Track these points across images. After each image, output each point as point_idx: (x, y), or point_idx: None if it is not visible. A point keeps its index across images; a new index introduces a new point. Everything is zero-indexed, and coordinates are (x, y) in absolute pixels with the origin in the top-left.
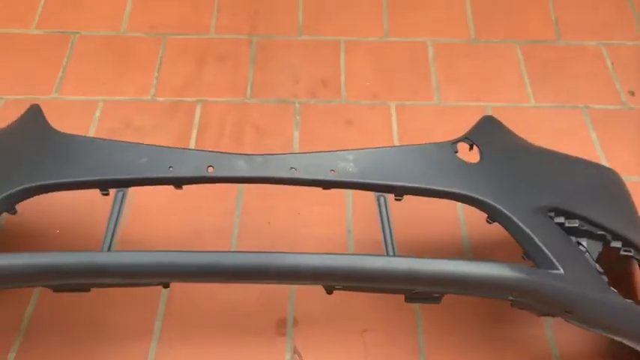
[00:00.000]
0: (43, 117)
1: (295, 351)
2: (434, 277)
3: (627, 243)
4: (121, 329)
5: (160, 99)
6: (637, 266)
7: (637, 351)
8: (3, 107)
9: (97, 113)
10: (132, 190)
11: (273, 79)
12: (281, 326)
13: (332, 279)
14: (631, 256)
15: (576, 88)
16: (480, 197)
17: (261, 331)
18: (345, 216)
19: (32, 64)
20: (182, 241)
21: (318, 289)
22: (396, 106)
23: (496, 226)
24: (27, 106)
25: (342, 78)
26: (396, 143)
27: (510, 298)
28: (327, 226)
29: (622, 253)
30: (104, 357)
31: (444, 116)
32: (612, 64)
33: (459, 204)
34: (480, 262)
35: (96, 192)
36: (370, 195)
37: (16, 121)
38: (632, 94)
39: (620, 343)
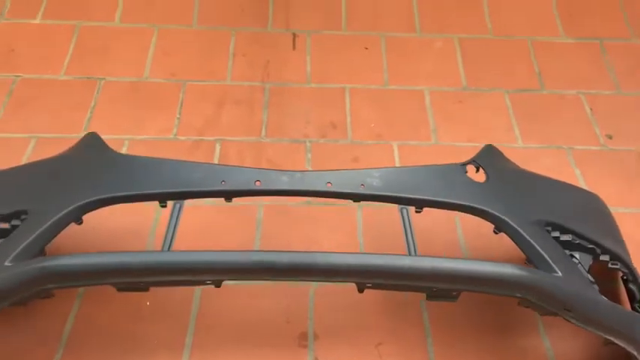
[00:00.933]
0: (103, 141)
1: None
2: (454, 274)
3: (614, 257)
4: (154, 342)
5: (182, 138)
6: (620, 280)
7: (626, 357)
8: (35, 145)
9: (124, 150)
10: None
11: (286, 121)
12: (303, 339)
13: (366, 276)
14: (617, 269)
15: (560, 131)
16: (490, 210)
17: (285, 345)
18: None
19: (62, 107)
20: None
21: (336, 307)
22: (398, 145)
23: (488, 240)
24: (58, 144)
25: (349, 120)
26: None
27: (518, 295)
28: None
29: (610, 266)
30: None
31: (441, 154)
32: (591, 109)
33: (458, 220)
34: (494, 263)
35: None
36: (379, 220)
37: (74, 146)
38: (610, 137)
39: (611, 351)
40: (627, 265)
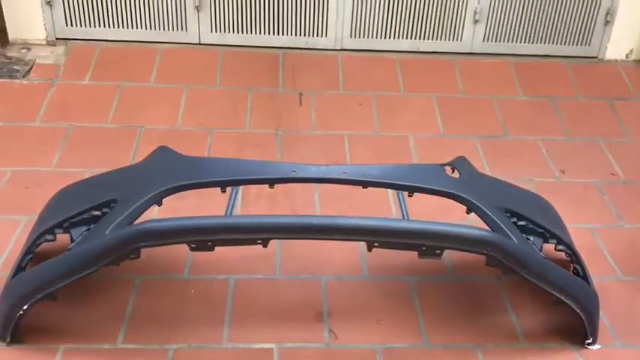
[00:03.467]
0: (172, 150)
1: (331, 331)
2: (440, 234)
3: (560, 241)
4: (199, 320)
5: None
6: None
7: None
8: None
9: None
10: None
11: (296, 160)
12: (319, 317)
13: (374, 234)
14: (563, 250)
15: (522, 168)
16: (464, 195)
17: (306, 321)
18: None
19: (109, 150)
20: None
21: (343, 293)
22: None
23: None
24: None
25: (348, 159)
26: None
27: (485, 251)
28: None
29: (557, 248)
30: (191, 338)
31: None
32: (547, 151)
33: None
34: (471, 226)
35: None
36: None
37: (149, 155)
38: (563, 172)
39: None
40: (571, 248)
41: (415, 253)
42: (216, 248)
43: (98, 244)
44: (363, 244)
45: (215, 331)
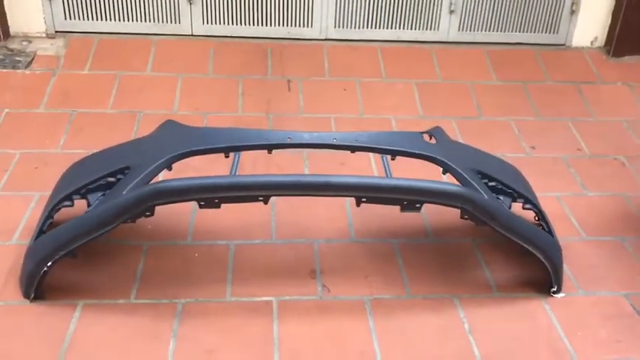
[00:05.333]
0: (179, 122)
1: (324, 286)
2: (417, 189)
3: (527, 201)
4: (204, 278)
5: None
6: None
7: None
8: None
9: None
10: None
11: None
12: (312, 274)
13: (361, 190)
14: (530, 209)
15: (496, 144)
16: (440, 158)
17: (300, 277)
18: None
19: (112, 132)
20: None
21: (334, 253)
22: (373, 156)
23: None
24: None
25: None
26: (374, 168)
27: (459, 205)
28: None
29: (524, 207)
30: (197, 294)
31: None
32: (518, 130)
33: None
34: (446, 182)
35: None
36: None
37: (157, 128)
38: (533, 148)
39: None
40: (537, 207)
41: (398, 222)
42: (217, 217)
43: (117, 202)
44: (351, 214)
45: (219, 287)
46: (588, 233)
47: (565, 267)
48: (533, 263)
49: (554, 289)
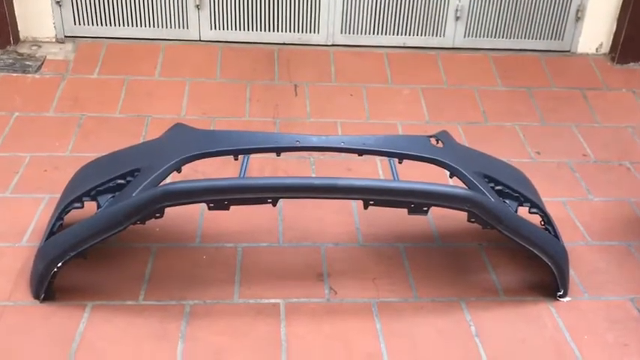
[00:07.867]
0: (188, 125)
1: (331, 288)
2: (424, 192)
3: (534, 205)
4: (212, 281)
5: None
6: None
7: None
8: None
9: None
10: None
11: None
12: (320, 277)
13: (369, 193)
14: (536, 213)
15: (501, 150)
16: (447, 161)
17: (308, 280)
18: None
19: (121, 136)
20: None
21: (341, 257)
22: (380, 160)
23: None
24: None
25: None
26: (381, 174)
27: (466, 207)
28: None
29: (530, 211)
30: (205, 295)
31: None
32: (524, 135)
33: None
34: (454, 185)
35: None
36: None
37: (167, 131)
38: (539, 153)
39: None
40: (543, 211)
41: (405, 225)
42: (224, 219)
43: (127, 203)
44: (358, 218)
45: (227, 289)
46: (594, 238)
47: (571, 271)
48: (539, 267)
49: (561, 293)
